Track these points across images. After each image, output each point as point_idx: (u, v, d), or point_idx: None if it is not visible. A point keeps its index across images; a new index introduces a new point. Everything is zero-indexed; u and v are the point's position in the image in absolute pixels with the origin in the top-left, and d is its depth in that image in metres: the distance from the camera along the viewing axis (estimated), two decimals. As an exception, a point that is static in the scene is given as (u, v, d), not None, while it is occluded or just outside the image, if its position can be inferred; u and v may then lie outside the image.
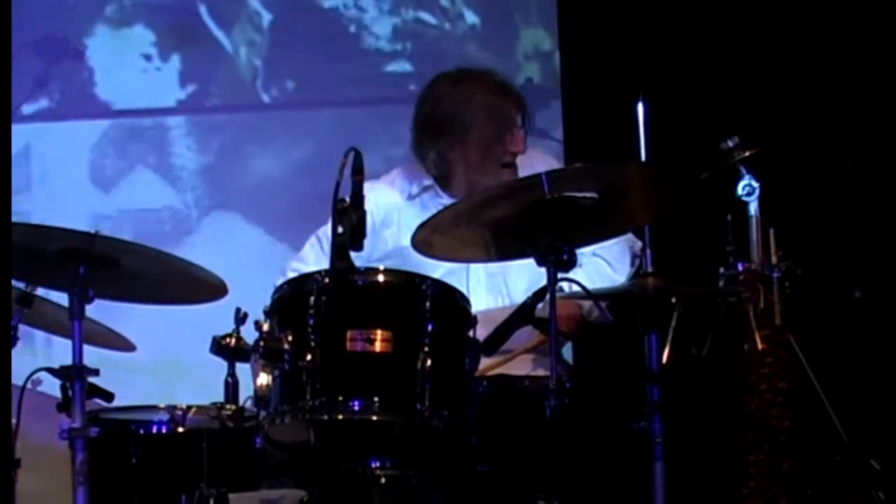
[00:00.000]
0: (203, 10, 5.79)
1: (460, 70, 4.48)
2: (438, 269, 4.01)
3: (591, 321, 4.33)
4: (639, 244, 4.04)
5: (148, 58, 5.80)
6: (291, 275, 4.40)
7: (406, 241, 4.23)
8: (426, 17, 5.79)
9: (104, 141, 5.78)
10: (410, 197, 4.45)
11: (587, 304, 4.27)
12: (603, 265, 4.36)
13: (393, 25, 5.78)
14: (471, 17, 5.79)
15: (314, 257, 4.43)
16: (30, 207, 5.63)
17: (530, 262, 3.70)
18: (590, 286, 3.79)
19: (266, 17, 5.78)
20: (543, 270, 3.65)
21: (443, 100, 4.40)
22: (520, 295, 4.09)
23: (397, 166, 4.56)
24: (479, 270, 4.32)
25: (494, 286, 4.36)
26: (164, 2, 5.80)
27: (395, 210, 4.44)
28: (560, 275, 3.61)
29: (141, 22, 5.79)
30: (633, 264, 4.12)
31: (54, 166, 5.74)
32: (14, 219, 3.65)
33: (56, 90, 5.77)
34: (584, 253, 4.25)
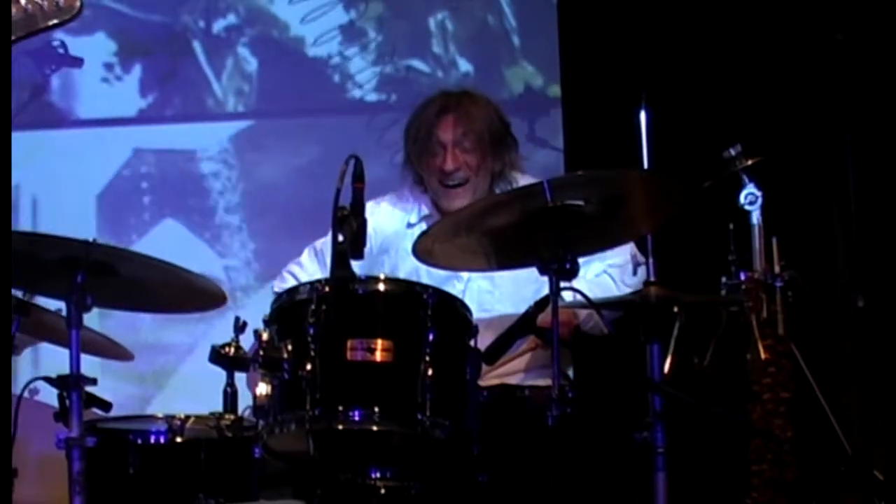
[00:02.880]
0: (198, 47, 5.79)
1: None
2: None
3: (586, 331, 4.31)
4: (641, 257, 4.03)
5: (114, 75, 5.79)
6: (287, 277, 4.41)
7: (403, 267, 4.23)
8: (418, 64, 5.77)
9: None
10: (409, 225, 4.45)
11: (583, 313, 4.25)
12: (608, 283, 4.34)
13: (383, 73, 5.75)
14: (464, 65, 5.76)
15: (310, 266, 4.43)
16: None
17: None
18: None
19: (253, 63, 5.78)
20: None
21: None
22: None
23: (399, 186, 4.55)
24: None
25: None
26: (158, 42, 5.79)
27: (394, 237, 4.44)
28: (563, 284, 3.59)
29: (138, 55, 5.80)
30: (635, 273, 4.10)
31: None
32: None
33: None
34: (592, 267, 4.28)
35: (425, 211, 4.47)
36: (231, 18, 5.79)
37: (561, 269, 3.58)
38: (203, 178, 5.74)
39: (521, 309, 3.76)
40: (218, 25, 5.78)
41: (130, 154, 5.73)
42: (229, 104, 5.77)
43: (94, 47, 5.75)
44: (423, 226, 4.37)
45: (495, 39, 5.77)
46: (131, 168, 5.72)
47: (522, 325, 3.72)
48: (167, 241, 5.64)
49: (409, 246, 3.97)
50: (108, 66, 5.77)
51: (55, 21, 3.56)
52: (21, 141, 5.38)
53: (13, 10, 3.48)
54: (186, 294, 3.96)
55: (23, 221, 5.53)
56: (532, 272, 3.70)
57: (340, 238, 3.48)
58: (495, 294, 4.36)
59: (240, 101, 5.77)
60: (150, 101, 5.76)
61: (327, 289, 3.54)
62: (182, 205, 5.74)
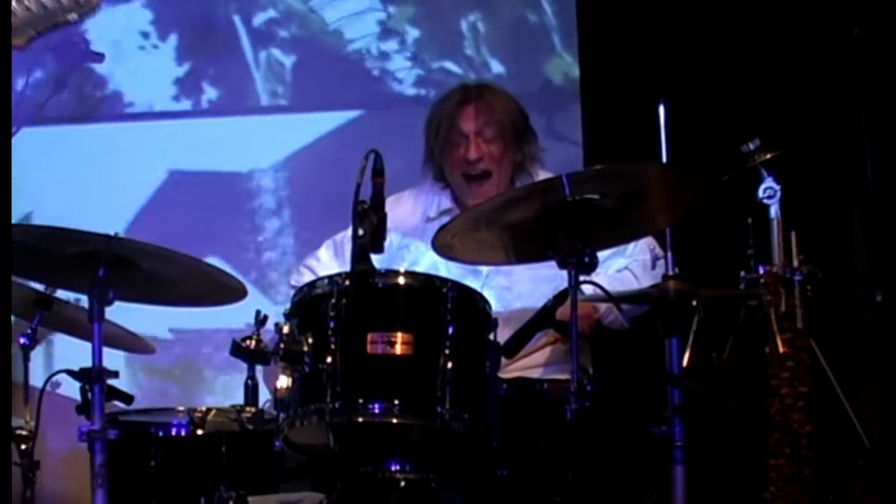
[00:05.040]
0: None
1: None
2: None
3: (607, 325, 4.32)
4: (659, 250, 4.03)
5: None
6: (304, 271, 4.43)
7: (423, 262, 4.24)
8: (450, 66, 5.77)
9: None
10: (428, 219, 4.46)
11: (604, 307, 4.26)
12: (629, 278, 4.35)
13: (417, 75, 5.76)
14: (496, 67, 5.77)
15: (327, 260, 4.44)
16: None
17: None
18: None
19: (288, 61, 5.79)
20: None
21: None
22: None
23: (421, 180, 4.57)
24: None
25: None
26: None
27: (413, 231, 4.46)
28: (582, 277, 3.60)
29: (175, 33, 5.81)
30: (654, 266, 4.11)
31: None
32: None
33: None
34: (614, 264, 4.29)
35: (446, 205, 4.49)
36: (271, 13, 5.81)
37: (580, 263, 3.58)
38: (240, 172, 5.78)
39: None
40: (258, 20, 5.80)
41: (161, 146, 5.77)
42: (264, 99, 5.79)
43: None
44: (443, 220, 4.38)
45: (527, 34, 5.77)
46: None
47: (542, 319, 3.73)
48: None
49: (427, 240, 3.98)
50: (144, 35, 5.79)
51: (74, 15, 3.60)
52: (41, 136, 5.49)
53: (32, 5, 3.52)
54: (207, 288, 3.98)
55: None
56: (550, 271, 3.72)
57: (360, 232, 3.49)
58: (513, 291, 4.37)
59: (275, 97, 5.79)
60: (185, 95, 5.79)
61: (347, 282, 3.56)
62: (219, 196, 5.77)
